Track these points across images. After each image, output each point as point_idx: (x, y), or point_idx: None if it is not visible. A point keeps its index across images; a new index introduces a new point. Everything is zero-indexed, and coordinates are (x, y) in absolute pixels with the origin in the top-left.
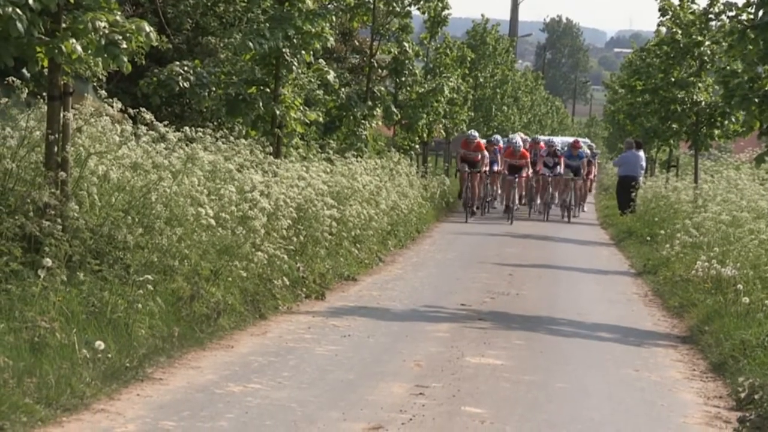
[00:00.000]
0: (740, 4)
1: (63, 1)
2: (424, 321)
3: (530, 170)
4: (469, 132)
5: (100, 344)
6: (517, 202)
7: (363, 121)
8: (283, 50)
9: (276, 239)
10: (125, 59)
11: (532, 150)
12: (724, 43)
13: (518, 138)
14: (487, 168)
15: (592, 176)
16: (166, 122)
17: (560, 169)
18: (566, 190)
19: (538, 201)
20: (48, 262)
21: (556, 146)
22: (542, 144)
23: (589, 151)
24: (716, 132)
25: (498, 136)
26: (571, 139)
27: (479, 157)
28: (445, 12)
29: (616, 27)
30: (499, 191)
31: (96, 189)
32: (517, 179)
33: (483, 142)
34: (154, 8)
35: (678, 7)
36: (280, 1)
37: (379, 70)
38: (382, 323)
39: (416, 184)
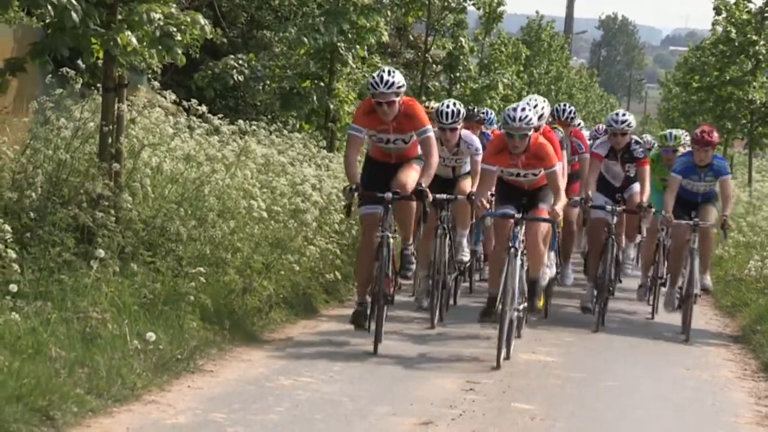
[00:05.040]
0: None
1: None
2: (475, 317)
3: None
4: (379, 72)
5: (151, 336)
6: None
7: None
8: (338, 45)
9: (328, 233)
10: (179, 51)
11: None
12: None
13: (541, 101)
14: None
15: (728, 212)
16: (220, 115)
17: (640, 193)
18: (679, 251)
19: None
20: (101, 253)
21: (626, 131)
22: (576, 129)
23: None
24: None
25: (489, 111)
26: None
27: (416, 143)
28: (501, 8)
29: (671, 25)
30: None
31: (149, 181)
32: (524, 230)
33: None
34: (210, 1)
35: (733, 6)
36: None
37: (434, 66)
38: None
39: None
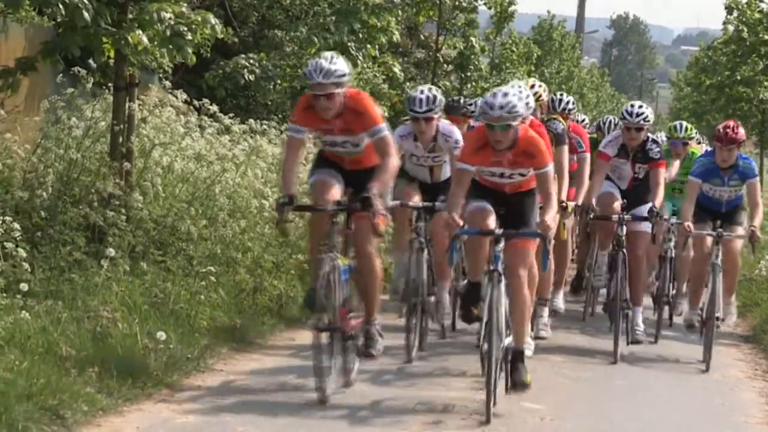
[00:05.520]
0: None
1: None
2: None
3: (552, 198)
4: (315, 59)
5: (161, 335)
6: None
7: None
8: (349, 44)
9: None
10: (190, 51)
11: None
12: None
13: (525, 88)
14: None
15: (758, 223)
16: (230, 114)
17: (652, 197)
18: (699, 267)
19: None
20: (111, 252)
21: (642, 126)
22: (575, 124)
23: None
24: None
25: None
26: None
27: (359, 140)
28: (512, 8)
29: (683, 24)
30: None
31: (160, 180)
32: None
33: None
34: (221, 1)
35: (745, 6)
36: None
37: (445, 65)
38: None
39: None
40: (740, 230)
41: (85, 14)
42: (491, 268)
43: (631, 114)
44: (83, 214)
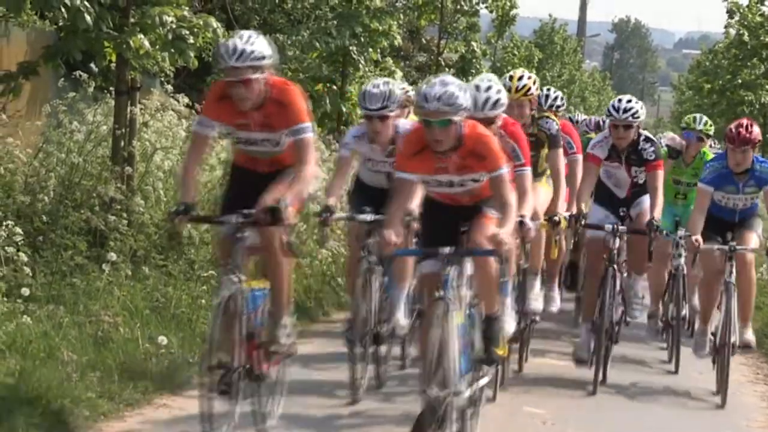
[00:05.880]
0: None
1: None
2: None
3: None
4: (229, 41)
5: (163, 339)
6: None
7: None
8: (350, 48)
9: (340, 236)
10: (192, 54)
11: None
12: None
13: (496, 82)
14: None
15: None
16: None
17: (650, 206)
18: (710, 285)
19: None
20: (113, 256)
21: (631, 123)
22: (564, 121)
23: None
24: None
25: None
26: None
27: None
28: (513, 11)
29: (684, 28)
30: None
31: (161, 184)
32: (462, 269)
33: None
34: (222, 4)
35: (746, 9)
36: None
37: (447, 69)
38: None
39: None
40: (754, 237)
41: (87, 18)
42: (438, 295)
43: (617, 110)
44: (85, 219)
